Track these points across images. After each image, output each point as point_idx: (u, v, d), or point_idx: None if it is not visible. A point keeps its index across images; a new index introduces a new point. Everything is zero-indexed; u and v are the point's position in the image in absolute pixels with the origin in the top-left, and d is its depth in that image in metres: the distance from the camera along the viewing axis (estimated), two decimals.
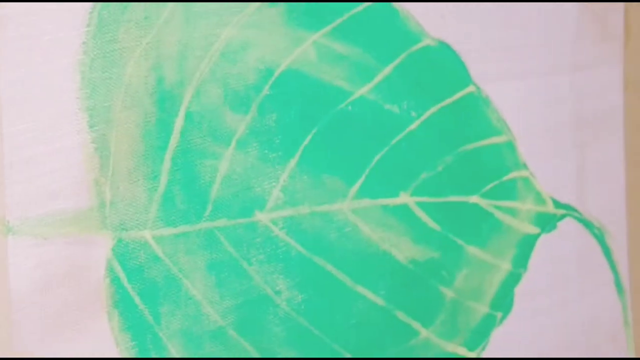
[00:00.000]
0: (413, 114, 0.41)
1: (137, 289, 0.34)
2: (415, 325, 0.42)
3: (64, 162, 0.32)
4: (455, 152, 0.43)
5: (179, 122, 0.35)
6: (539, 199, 0.46)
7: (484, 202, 0.44)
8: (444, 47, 0.42)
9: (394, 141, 0.41)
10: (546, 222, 0.46)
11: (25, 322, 0.32)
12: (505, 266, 0.45)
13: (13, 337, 0.32)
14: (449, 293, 0.43)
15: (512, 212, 0.45)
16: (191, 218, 0.35)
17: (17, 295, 0.32)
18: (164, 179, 0.35)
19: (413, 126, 0.41)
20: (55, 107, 0.32)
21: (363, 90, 0.40)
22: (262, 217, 0.37)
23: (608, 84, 0.48)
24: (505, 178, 0.45)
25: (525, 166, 0.45)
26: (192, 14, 0.35)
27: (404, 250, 0.41)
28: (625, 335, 0.49)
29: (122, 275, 0.34)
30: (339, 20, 0.39)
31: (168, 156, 0.35)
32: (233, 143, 0.36)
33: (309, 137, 0.38)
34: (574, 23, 0.46)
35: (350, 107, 0.39)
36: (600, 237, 0.48)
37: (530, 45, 0.45)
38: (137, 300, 0.34)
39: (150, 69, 0.34)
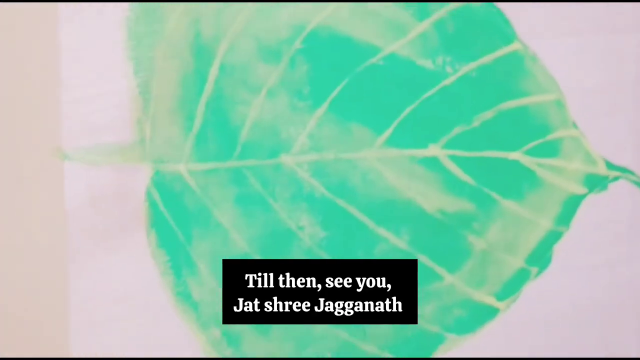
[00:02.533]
0: (449, 69, 0.50)
1: (172, 213, 0.48)
2: (439, 270, 0.52)
3: (112, 102, 0.46)
4: (496, 109, 0.51)
5: (213, 72, 0.47)
6: (589, 159, 0.53)
7: (526, 159, 0.52)
8: (487, 4, 0.50)
9: (426, 95, 0.50)
10: (596, 183, 0.54)
11: (78, 234, 0.47)
12: (545, 223, 0.53)
13: (68, 247, 0.46)
14: (479, 243, 0.52)
15: (556, 170, 0.53)
16: (222, 156, 0.48)
17: (71, 211, 0.46)
18: (198, 120, 0.47)
19: (447, 81, 0.50)
20: (106, 56, 0.46)
21: (395, 46, 0.49)
22: (287, 159, 0.49)
23: None
24: (550, 136, 0.53)
25: (574, 125, 0.53)
26: None
27: (430, 199, 0.51)
28: None
29: (159, 201, 0.47)
30: None
31: (202, 101, 0.47)
32: (263, 92, 0.48)
33: (338, 88, 0.49)
34: None
35: (381, 62, 0.49)
36: None
37: (587, 2, 0.51)
38: (171, 222, 0.48)
39: (189, 24, 0.46)
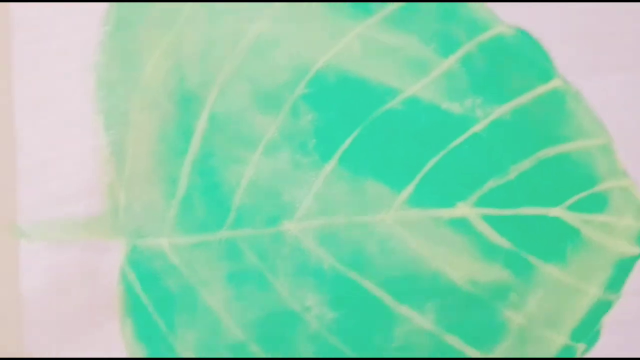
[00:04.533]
0: (479, 112, 0.48)
1: (152, 297, 0.45)
2: (471, 352, 0.49)
3: (78, 165, 0.44)
4: (534, 158, 0.49)
5: (201, 125, 0.44)
6: None
7: (569, 216, 0.50)
8: (522, 35, 0.49)
9: (452, 144, 0.48)
10: None
11: (36, 326, 0.44)
12: (593, 291, 0.51)
13: (24, 341, 0.43)
14: (516, 319, 0.50)
15: (605, 228, 0.51)
16: (212, 226, 0.45)
17: (29, 299, 0.44)
18: (183, 183, 0.45)
19: (478, 127, 0.48)
20: (70, 109, 0.43)
21: (416, 87, 0.47)
22: (290, 226, 0.46)
23: None
24: (597, 188, 0.51)
25: (624, 174, 0.51)
26: (217, 9, 0.44)
27: (460, 269, 0.48)
28: None
29: (136, 283, 0.44)
30: (389, 9, 0.46)
31: (188, 160, 0.44)
32: (261, 147, 0.45)
33: (349, 139, 0.47)
34: None
35: (400, 107, 0.46)
36: None
37: (637, 32, 0.49)
38: (151, 309, 0.45)
39: (170, 69, 0.44)
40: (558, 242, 0.50)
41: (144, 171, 0.44)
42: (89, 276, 0.44)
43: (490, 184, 0.49)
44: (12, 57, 0.41)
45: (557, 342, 0.51)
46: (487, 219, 0.49)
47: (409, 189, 0.48)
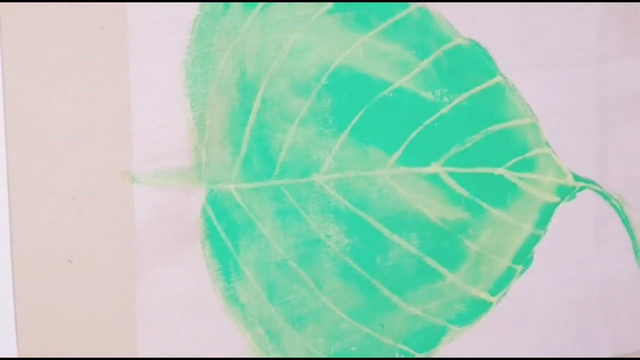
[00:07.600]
0: (445, 99, 0.58)
1: (223, 227, 0.54)
2: (443, 270, 0.59)
3: (173, 132, 0.52)
4: (483, 132, 0.59)
5: (256, 105, 0.54)
6: (560, 172, 0.62)
7: (508, 174, 0.60)
8: (474, 44, 0.59)
9: (428, 121, 0.58)
10: (566, 193, 0.62)
11: (145, 248, 0.52)
12: (527, 228, 0.61)
13: (136, 258, 0.52)
14: (474, 247, 0.60)
15: (534, 183, 0.61)
16: (264, 176, 0.55)
17: (140, 228, 0.52)
18: (244, 147, 0.54)
19: (445, 110, 0.58)
20: (167, 93, 0.52)
21: (402, 80, 0.57)
22: (317, 178, 0.55)
23: (633, 73, 0.62)
24: (528, 154, 0.61)
25: (547, 144, 0.61)
26: (267, 23, 0.53)
27: (434, 210, 0.58)
28: None
29: (212, 216, 0.53)
30: (383, 25, 0.56)
31: (247, 130, 0.54)
32: (296, 121, 0.55)
33: (357, 117, 0.56)
34: (597, 21, 0.61)
35: (391, 94, 0.56)
36: (618, 207, 0.63)
37: (554, 40, 0.60)
38: (223, 235, 0.54)
39: (236, 65, 0.53)
40: (501, 192, 0.60)
41: (218, 138, 0.52)
42: (181, 211, 0.52)
43: (454, 150, 0.59)
44: (128, 55, 0.49)
45: (502, 264, 0.61)
46: (452, 175, 0.59)
47: (398, 152, 0.57)
